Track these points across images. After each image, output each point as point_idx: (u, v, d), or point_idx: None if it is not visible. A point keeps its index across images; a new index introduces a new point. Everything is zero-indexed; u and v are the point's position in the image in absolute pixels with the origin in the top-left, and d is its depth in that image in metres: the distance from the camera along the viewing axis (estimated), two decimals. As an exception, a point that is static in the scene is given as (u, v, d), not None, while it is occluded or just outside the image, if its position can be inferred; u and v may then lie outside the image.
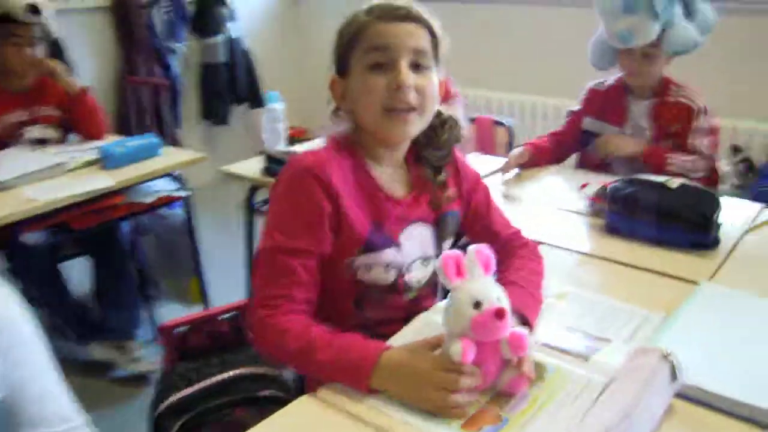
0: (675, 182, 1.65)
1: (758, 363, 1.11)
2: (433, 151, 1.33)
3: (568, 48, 3.55)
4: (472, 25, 3.81)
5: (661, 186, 1.64)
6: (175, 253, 2.63)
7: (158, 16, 3.85)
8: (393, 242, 1.28)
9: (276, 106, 2.43)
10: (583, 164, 2.32)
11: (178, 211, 2.69)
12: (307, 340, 1.10)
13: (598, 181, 1.85)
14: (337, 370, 1.08)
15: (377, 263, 1.27)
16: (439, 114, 1.31)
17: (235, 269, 2.63)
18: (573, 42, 3.49)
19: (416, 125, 1.24)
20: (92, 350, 2.51)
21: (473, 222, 1.42)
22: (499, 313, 0.98)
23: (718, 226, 1.57)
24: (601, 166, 2.22)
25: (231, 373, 1.47)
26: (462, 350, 0.98)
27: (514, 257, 1.34)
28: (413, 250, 1.32)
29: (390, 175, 1.32)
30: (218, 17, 4.21)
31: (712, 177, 2.16)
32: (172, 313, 2.83)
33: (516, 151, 2.22)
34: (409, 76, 1.18)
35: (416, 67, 1.20)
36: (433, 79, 1.24)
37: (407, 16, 1.19)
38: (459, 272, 1.04)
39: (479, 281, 1.04)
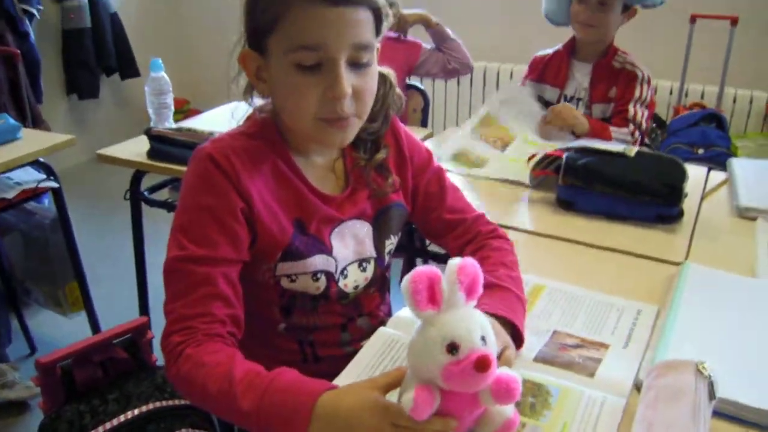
0: (633, 149, 1.49)
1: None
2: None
3: (507, 6, 3.42)
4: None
5: (620, 155, 1.47)
6: (47, 254, 2.23)
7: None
8: (322, 245, 1.06)
9: (161, 74, 2.08)
10: None
11: (47, 205, 2.28)
12: (230, 380, 0.82)
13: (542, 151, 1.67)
14: (265, 422, 0.80)
15: (303, 272, 1.04)
16: None
17: (123, 270, 2.28)
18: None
19: (355, 129, 1.01)
20: (-50, 379, 2.10)
21: (426, 212, 1.18)
22: (482, 364, 0.69)
23: (685, 196, 1.42)
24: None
25: (136, 411, 1.20)
26: (414, 403, 0.70)
27: (485, 249, 1.12)
28: (347, 252, 1.09)
29: (320, 167, 1.09)
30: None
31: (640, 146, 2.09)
32: (52, 322, 2.46)
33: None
34: (348, 84, 0.93)
35: (355, 64, 0.95)
36: (374, 72, 0.99)
37: None
38: (432, 299, 0.73)
39: (459, 313, 0.74)
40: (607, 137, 1.92)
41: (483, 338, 0.73)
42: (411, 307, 0.74)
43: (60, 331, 2.44)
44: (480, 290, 0.76)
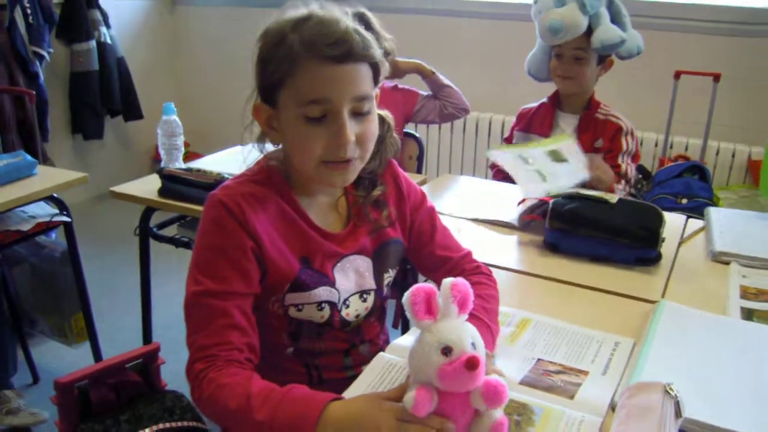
0: (614, 197, 1.61)
1: (749, 390, 1.05)
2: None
3: (498, 61, 3.59)
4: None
5: (602, 201, 1.58)
6: (54, 285, 2.31)
7: (19, 18, 3.43)
8: (326, 279, 1.16)
9: (173, 118, 2.20)
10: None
11: (56, 239, 2.37)
12: (248, 396, 0.93)
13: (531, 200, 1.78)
14: (278, 428, 0.90)
15: (308, 302, 1.15)
16: None
17: (128, 303, 2.36)
18: (501, 54, 3.57)
19: (356, 171, 1.14)
20: (-45, 404, 2.15)
21: (418, 247, 1.30)
22: (472, 363, 0.82)
23: (663, 240, 1.53)
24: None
25: (147, 431, 1.27)
26: (414, 400, 0.83)
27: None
28: (349, 284, 1.20)
29: (324, 207, 1.21)
30: (89, 21, 3.87)
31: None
32: (55, 353, 2.53)
33: None
34: (351, 132, 1.05)
35: (357, 113, 1.07)
36: (374, 118, 1.12)
37: (348, 55, 1.03)
38: (429, 310, 0.87)
39: (451, 323, 0.87)
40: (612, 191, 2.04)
41: (473, 344, 0.85)
42: (411, 317, 0.86)
43: (63, 362, 2.51)
44: (470, 305, 0.89)
